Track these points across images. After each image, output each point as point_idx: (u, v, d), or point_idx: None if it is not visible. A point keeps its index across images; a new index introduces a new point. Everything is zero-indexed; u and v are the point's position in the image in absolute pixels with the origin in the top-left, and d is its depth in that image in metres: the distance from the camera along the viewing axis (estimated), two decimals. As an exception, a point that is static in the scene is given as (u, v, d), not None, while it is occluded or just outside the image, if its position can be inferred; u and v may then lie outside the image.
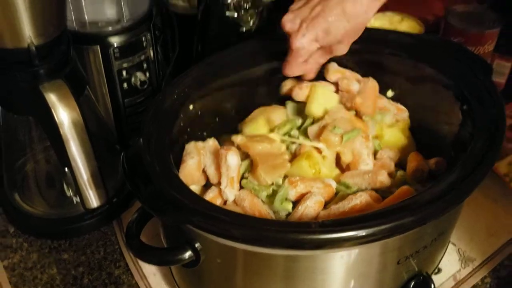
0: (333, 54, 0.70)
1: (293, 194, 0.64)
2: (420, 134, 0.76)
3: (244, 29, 0.86)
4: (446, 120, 0.71)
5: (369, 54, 0.76)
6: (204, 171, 0.68)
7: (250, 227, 0.52)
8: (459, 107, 0.67)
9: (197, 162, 0.66)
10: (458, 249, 0.77)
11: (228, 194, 0.64)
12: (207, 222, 0.53)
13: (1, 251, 0.79)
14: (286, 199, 0.65)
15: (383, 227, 0.51)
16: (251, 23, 0.86)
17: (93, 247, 0.79)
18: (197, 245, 0.57)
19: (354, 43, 0.70)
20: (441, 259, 0.71)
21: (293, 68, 0.70)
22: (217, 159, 0.66)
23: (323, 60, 0.72)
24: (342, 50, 0.69)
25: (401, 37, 0.77)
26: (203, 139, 0.71)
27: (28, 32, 0.64)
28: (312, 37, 0.66)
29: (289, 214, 0.64)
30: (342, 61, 0.76)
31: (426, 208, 0.53)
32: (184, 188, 0.58)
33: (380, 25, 0.98)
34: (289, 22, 0.67)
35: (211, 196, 0.65)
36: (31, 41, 0.64)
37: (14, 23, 0.63)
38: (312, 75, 0.73)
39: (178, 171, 0.65)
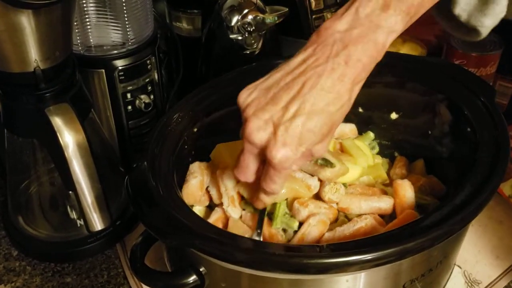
0: (314, 157, 0.56)
1: (304, 214, 0.64)
2: (423, 156, 0.76)
3: (248, 52, 0.87)
4: (450, 142, 0.71)
5: (371, 76, 0.77)
6: (207, 191, 0.69)
7: (254, 251, 0.52)
8: (462, 129, 0.68)
9: (199, 182, 0.66)
10: (464, 272, 0.76)
11: (232, 213, 0.64)
12: (210, 245, 0.53)
13: (4, 274, 0.78)
14: (291, 216, 0.65)
15: (389, 251, 0.51)
16: (255, 45, 0.86)
17: (96, 271, 0.79)
18: (201, 269, 0.57)
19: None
20: (447, 282, 0.70)
21: (277, 184, 0.55)
22: (217, 179, 0.67)
23: (298, 167, 0.57)
24: (323, 150, 0.54)
25: (403, 59, 0.78)
26: (208, 161, 0.71)
27: (34, 56, 0.65)
28: (294, 144, 0.51)
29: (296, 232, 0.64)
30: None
31: (431, 232, 0.53)
32: (188, 211, 0.58)
33: (383, 47, 0.99)
34: (258, 129, 0.52)
35: (215, 217, 0.65)
36: (37, 64, 0.65)
37: (21, 47, 0.63)
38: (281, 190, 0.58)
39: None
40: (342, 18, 0.52)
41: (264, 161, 0.54)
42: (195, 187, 0.66)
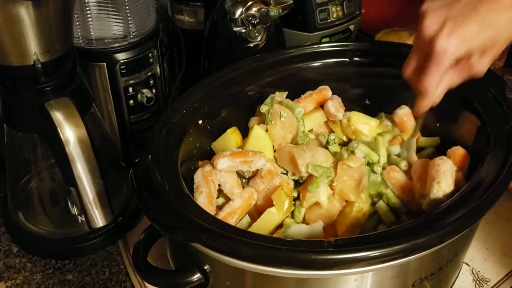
0: (472, 73, 0.61)
1: None
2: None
3: (252, 45, 0.85)
4: (460, 136, 0.70)
5: (383, 67, 0.76)
6: (220, 191, 0.68)
7: (261, 246, 0.51)
8: (473, 122, 0.66)
9: (207, 197, 0.64)
10: (472, 269, 0.75)
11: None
12: (217, 240, 0.51)
13: (4, 271, 0.77)
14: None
15: (397, 247, 0.50)
16: (259, 38, 0.85)
17: (98, 267, 0.77)
18: (206, 267, 0.55)
19: (365, 56, 0.69)
20: (456, 280, 0.69)
21: (432, 78, 0.59)
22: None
23: (458, 80, 0.62)
24: (483, 65, 0.60)
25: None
26: (213, 154, 0.70)
27: (34, 49, 0.63)
28: (460, 38, 0.56)
29: None
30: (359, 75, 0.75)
31: (441, 228, 0.52)
32: (194, 205, 0.57)
33: (389, 40, 0.98)
34: (431, 16, 0.58)
35: (228, 211, 0.64)
36: (37, 58, 0.64)
37: (20, 40, 0.62)
38: (439, 99, 0.63)
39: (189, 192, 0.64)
40: None
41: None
42: (204, 205, 0.64)
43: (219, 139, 0.74)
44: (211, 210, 0.64)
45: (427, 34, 0.58)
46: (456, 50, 0.57)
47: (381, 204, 0.66)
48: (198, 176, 0.66)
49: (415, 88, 0.63)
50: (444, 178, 0.61)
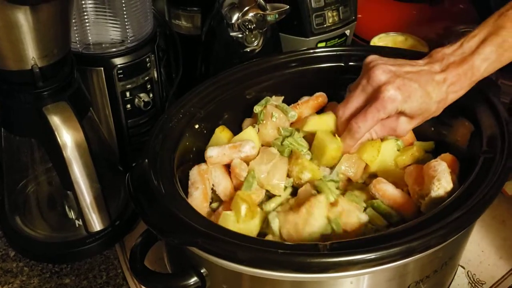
0: (395, 132, 0.67)
1: None
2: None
3: (248, 50, 0.86)
4: (454, 140, 0.71)
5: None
6: (213, 191, 0.68)
7: (257, 249, 0.51)
8: (467, 127, 0.67)
9: (202, 193, 0.65)
10: (468, 272, 0.75)
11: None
12: (213, 244, 0.52)
13: (1, 275, 0.77)
14: None
15: (391, 250, 0.50)
16: (256, 43, 0.86)
17: (95, 271, 0.78)
18: (202, 270, 0.56)
19: (361, 61, 0.69)
20: (451, 283, 0.69)
21: (367, 122, 0.63)
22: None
23: (379, 136, 0.69)
24: (406, 129, 0.67)
25: (408, 55, 0.77)
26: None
27: (32, 54, 0.64)
28: (405, 95, 0.62)
29: None
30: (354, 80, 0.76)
31: (435, 231, 0.52)
32: (190, 209, 0.57)
33: (384, 45, 0.98)
34: (382, 73, 0.63)
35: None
36: (35, 62, 0.64)
37: (18, 44, 0.62)
38: (357, 148, 0.69)
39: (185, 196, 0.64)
40: (450, 47, 0.66)
41: (366, 104, 0.65)
42: (199, 200, 0.64)
43: (210, 141, 0.74)
44: (205, 206, 0.65)
45: (378, 81, 0.63)
46: (400, 103, 0.62)
47: (369, 212, 0.66)
48: (194, 173, 0.67)
49: (342, 127, 0.68)
50: (443, 176, 0.62)
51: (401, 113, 0.64)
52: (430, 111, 0.65)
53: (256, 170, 0.67)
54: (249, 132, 0.73)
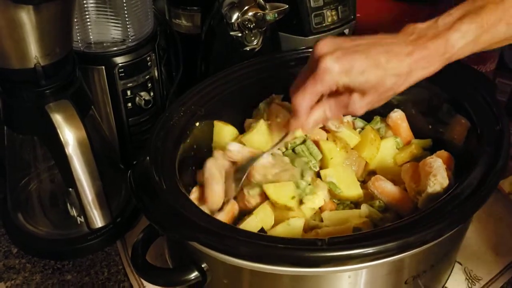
0: (347, 111, 0.60)
1: None
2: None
3: (248, 49, 0.87)
4: (451, 138, 0.71)
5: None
6: None
7: (257, 244, 0.52)
8: (464, 124, 0.68)
9: (222, 188, 0.66)
10: (465, 269, 0.76)
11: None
12: (213, 239, 0.53)
13: (4, 272, 0.78)
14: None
15: (388, 245, 0.51)
16: (255, 42, 0.86)
17: (97, 268, 0.78)
18: (203, 265, 0.57)
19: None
20: (448, 278, 0.70)
21: (305, 95, 0.59)
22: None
23: (331, 115, 0.62)
24: (360, 107, 0.60)
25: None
26: (209, 155, 0.71)
27: (34, 53, 0.64)
28: (345, 66, 0.56)
29: None
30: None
31: (432, 226, 0.53)
32: (191, 205, 0.58)
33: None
34: (325, 44, 0.58)
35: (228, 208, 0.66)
36: (37, 61, 0.65)
37: (21, 43, 0.63)
38: (312, 127, 0.63)
39: (191, 192, 0.66)
40: (424, 23, 0.59)
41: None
42: (220, 195, 0.65)
43: (214, 139, 0.75)
44: (220, 201, 0.66)
45: (317, 53, 0.58)
46: (338, 75, 0.57)
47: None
48: (212, 168, 0.67)
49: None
50: (439, 172, 0.62)
51: (352, 90, 0.59)
52: (385, 85, 0.58)
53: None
54: (263, 128, 0.73)
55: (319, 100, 0.60)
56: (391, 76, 0.57)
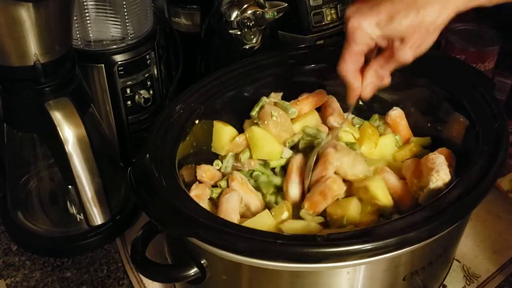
0: (396, 61, 0.59)
1: None
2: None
3: (247, 47, 0.87)
4: (450, 135, 0.72)
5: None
6: None
7: (256, 240, 0.52)
8: (462, 122, 0.68)
9: (239, 199, 0.67)
10: (463, 266, 0.76)
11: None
12: (213, 235, 0.53)
13: (3, 269, 0.78)
14: None
15: (387, 241, 0.52)
16: (254, 40, 0.87)
17: (96, 265, 0.79)
18: (203, 261, 0.57)
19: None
20: (446, 275, 0.70)
21: (346, 61, 0.58)
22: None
23: (383, 71, 0.61)
24: (406, 54, 0.58)
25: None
26: (209, 153, 0.71)
27: (34, 50, 0.64)
28: (372, 18, 0.56)
29: None
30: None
31: (430, 222, 0.53)
32: (191, 201, 0.58)
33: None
34: (352, 8, 0.58)
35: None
36: (37, 59, 0.65)
37: (21, 41, 0.63)
38: (369, 92, 0.62)
39: (191, 189, 0.67)
40: None
41: None
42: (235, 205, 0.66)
43: (213, 139, 0.75)
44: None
45: (347, 16, 0.58)
46: (368, 29, 0.56)
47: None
48: (237, 180, 0.70)
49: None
50: (442, 168, 0.63)
51: (392, 39, 0.58)
52: (421, 22, 0.56)
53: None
54: (256, 133, 0.73)
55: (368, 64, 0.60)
56: (423, 11, 0.55)
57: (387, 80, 0.63)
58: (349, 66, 0.59)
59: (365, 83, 0.61)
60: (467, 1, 0.57)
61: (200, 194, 0.68)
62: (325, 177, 0.65)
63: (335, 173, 0.66)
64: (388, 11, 0.55)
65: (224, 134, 0.74)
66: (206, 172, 0.72)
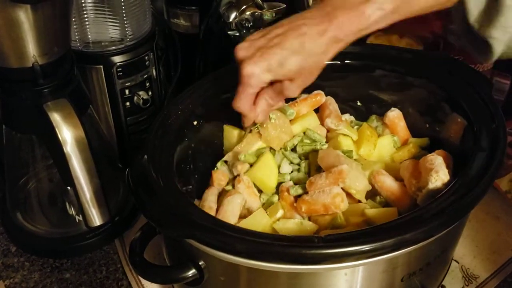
0: (284, 95, 0.64)
1: None
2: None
3: (245, 48, 0.87)
4: (448, 136, 0.72)
5: (374, 69, 0.77)
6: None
7: (254, 242, 0.52)
8: (460, 123, 0.68)
9: (242, 203, 0.68)
10: (461, 267, 0.76)
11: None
12: (210, 236, 0.53)
13: (2, 270, 0.78)
14: None
15: (385, 242, 0.51)
16: (253, 42, 0.86)
17: (95, 266, 0.79)
18: (201, 263, 0.57)
19: (356, 59, 0.70)
20: (445, 276, 0.70)
21: (241, 100, 0.63)
22: None
23: (273, 102, 0.66)
24: (293, 91, 0.63)
25: (401, 53, 0.78)
26: (207, 154, 0.71)
27: (32, 52, 0.65)
28: (264, 66, 0.59)
29: None
30: (350, 78, 0.77)
31: (428, 223, 0.53)
32: (189, 203, 0.58)
33: (380, 43, 0.99)
34: (243, 49, 0.61)
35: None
36: (35, 60, 0.65)
37: (19, 42, 0.63)
38: (262, 117, 0.67)
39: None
40: None
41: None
42: (237, 208, 0.67)
43: (224, 143, 0.76)
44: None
45: (239, 60, 0.61)
46: (263, 74, 0.60)
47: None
48: (241, 186, 0.70)
49: None
50: (441, 168, 0.63)
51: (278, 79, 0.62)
52: (307, 67, 0.60)
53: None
54: (268, 160, 0.73)
55: (259, 92, 0.64)
56: (309, 57, 0.60)
57: (279, 105, 0.68)
58: (244, 104, 0.63)
59: (257, 110, 0.65)
60: (353, 34, 0.60)
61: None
62: (333, 192, 0.65)
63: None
64: (278, 57, 0.59)
65: (233, 137, 0.75)
66: (225, 176, 0.72)
